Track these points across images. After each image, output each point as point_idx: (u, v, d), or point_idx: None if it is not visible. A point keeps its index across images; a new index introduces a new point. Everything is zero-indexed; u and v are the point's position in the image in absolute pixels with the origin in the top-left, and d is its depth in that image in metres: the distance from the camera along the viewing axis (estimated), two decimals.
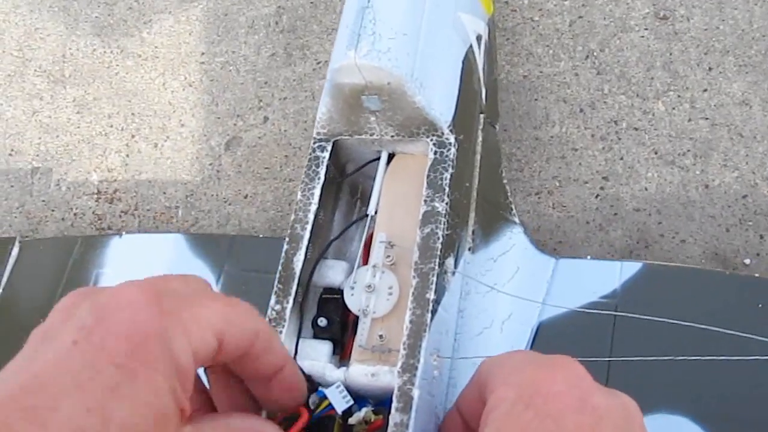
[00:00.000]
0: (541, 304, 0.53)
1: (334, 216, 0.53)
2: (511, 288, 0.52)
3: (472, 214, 0.52)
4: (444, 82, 0.51)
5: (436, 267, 0.43)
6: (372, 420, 0.41)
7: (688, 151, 0.71)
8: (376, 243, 0.47)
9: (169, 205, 0.81)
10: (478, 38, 0.59)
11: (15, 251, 0.70)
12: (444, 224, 0.45)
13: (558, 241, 0.69)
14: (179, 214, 0.81)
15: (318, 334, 0.46)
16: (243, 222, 0.78)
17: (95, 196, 0.84)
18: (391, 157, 0.51)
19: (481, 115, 0.57)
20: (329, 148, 0.49)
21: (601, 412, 0.28)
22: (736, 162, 0.69)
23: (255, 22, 0.89)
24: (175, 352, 0.25)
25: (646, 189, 0.70)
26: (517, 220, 0.56)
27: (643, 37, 0.77)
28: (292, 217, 0.47)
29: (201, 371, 0.33)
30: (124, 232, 0.69)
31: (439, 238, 0.45)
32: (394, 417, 0.39)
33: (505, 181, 0.58)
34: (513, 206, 0.57)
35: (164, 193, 0.82)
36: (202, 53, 0.89)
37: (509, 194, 0.58)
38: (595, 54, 0.77)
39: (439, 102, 0.49)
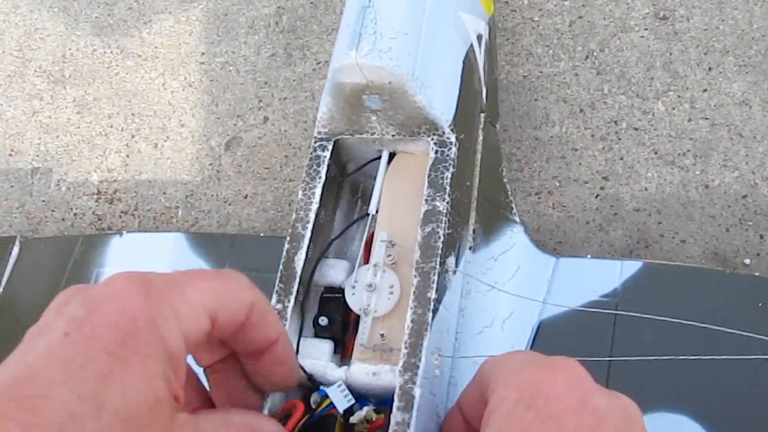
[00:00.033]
0: (541, 303, 0.53)
1: (335, 215, 0.53)
2: (512, 287, 0.52)
3: (473, 213, 0.52)
4: (445, 81, 0.51)
5: (438, 266, 0.44)
6: (373, 419, 0.41)
7: (688, 151, 0.71)
8: (377, 242, 0.47)
9: (169, 205, 0.81)
10: (479, 38, 0.59)
11: (15, 250, 0.70)
12: (445, 223, 0.45)
13: (558, 241, 0.69)
14: (179, 214, 0.81)
15: (319, 333, 0.46)
16: (243, 222, 0.78)
17: (95, 196, 0.84)
18: (391, 156, 0.51)
19: (482, 115, 0.57)
20: (330, 147, 0.50)
21: (601, 413, 0.28)
22: (736, 162, 0.69)
23: (255, 22, 0.89)
24: (166, 339, 0.26)
25: (646, 189, 0.70)
26: (517, 219, 0.56)
27: (643, 37, 0.77)
28: (293, 216, 0.47)
29: (201, 371, 0.33)
30: (124, 232, 0.69)
31: (440, 237, 0.45)
32: (396, 416, 0.39)
33: (505, 180, 0.58)
34: (513, 205, 0.57)
35: (164, 193, 0.82)
36: (202, 53, 0.89)
37: (510, 193, 0.58)
38: (595, 54, 0.77)
39: (440, 101, 0.49)
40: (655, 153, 0.71)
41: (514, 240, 0.55)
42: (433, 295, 0.43)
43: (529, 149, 0.74)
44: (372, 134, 0.50)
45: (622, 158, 0.72)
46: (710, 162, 0.70)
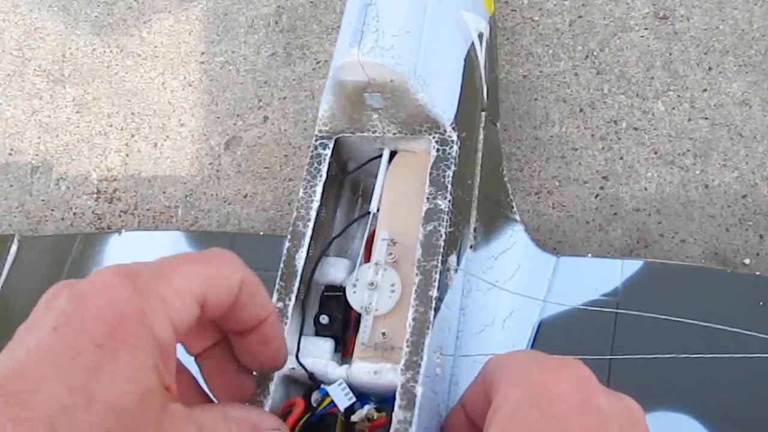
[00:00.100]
0: (542, 302, 0.53)
1: (336, 214, 0.53)
2: (513, 285, 0.52)
3: (474, 212, 0.52)
4: (446, 79, 0.51)
5: (439, 264, 0.43)
6: (374, 417, 0.41)
7: (688, 150, 0.71)
8: (379, 240, 0.47)
9: (168, 204, 0.81)
10: (480, 36, 0.59)
11: (13, 249, 0.70)
12: (447, 222, 0.45)
13: (558, 241, 0.69)
14: (179, 213, 0.81)
15: (320, 331, 0.46)
16: (242, 221, 0.78)
17: (95, 195, 0.83)
18: (392, 154, 0.51)
19: (483, 113, 0.57)
20: (331, 145, 0.49)
21: (606, 413, 0.28)
22: (736, 162, 0.69)
23: (255, 21, 0.89)
24: (154, 329, 0.26)
25: (645, 189, 0.70)
26: (518, 218, 0.56)
27: (642, 36, 0.77)
28: (294, 214, 0.47)
29: (192, 360, 0.33)
30: (123, 230, 0.69)
31: (442, 236, 0.45)
32: (398, 414, 0.39)
33: (506, 179, 0.58)
34: (514, 204, 0.57)
35: (164, 192, 0.82)
36: (202, 53, 0.89)
37: (510, 192, 0.58)
38: (594, 54, 0.77)
39: (442, 99, 0.49)
40: (655, 153, 0.71)
41: (514, 239, 0.55)
42: (435, 293, 0.43)
43: (529, 149, 0.74)
44: (373, 132, 0.50)
45: (621, 158, 0.72)
46: (710, 162, 0.70)
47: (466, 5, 0.57)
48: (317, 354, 0.44)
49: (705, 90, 0.73)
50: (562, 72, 0.77)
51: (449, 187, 0.46)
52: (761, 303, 0.50)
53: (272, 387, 0.41)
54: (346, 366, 0.43)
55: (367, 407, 0.41)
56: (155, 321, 0.26)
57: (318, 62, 0.85)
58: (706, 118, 0.72)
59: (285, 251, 0.45)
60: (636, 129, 0.73)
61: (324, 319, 0.46)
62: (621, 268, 0.54)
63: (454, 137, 0.49)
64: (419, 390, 0.40)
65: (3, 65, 0.94)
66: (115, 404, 0.24)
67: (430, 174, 0.47)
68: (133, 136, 0.86)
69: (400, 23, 0.47)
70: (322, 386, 0.42)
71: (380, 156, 0.51)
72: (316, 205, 0.47)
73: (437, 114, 0.48)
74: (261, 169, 0.80)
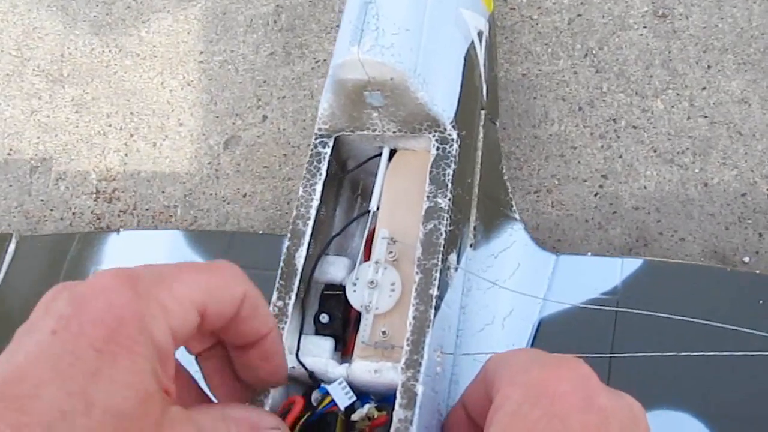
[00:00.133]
0: (542, 301, 0.53)
1: (335, 212, 0.53)
2: (512, 284, 0.52)
3: (474, 211, 0.52)
4: (446, 78, 0.51)
5: (440, 263, 0.43)
6: (375, 416, 0.41)
7: (687, 149, 0.71)
8: (379, 239, 0.47)
9: (167, 204, 0.81)
10: (480, 34, 0.59)
11: (12, 248, 0.70)
12: (447, 220, 0.45)
13: (557, 240, 0.69)
14: (178, 213, 0.80)
15: (320, 330, 0.46)
16: (242, 221, 0.78)
17: (94, 195, 0.83)
18: (392, 153, 0.51)
19: (482, 112, 0.57)
20: (331, 144, 0.49)
21: (607, 412, 0.28)
22: (735, 160, 0.69)
23: (253, 20, 0.89)
24: (153, 334, 0.26)
25: (645, 187, 0.70)
26: (517, 216, 0.56)
27: (641, 35, 0.77)
28: (294, 213, 0.47)
29: (191, 359, 0.33)
30: (122, 229, 0.69)
31: (442, 234, 0.45)
32: (398, 413, 0.39)
33: (505, 177, 0.58)
34: (513, 203, 0.57)
35: (163, 192, 0.82)
36: (201, 52, 0.89)
37: (510, 191, 0.58)
38: (593, 52, 0.77)
39: (442, 98, 0.49)
40: (654, 151, 0.71)
41: (514, 237, 0.55)
42: (435, 292, 0.43)
43: (528, 147, 0.74)
44: (373, 131, 0.50)
45: (621, 156, 0.72)
46: (709, 160, 0.70)
47: (465, 3, 0.57)
48: (317, 353, 0.44)
49: (704, 88, 0.73)
50: (561, 70, 0.77)
51: (449, 185, 0.46)
52: (761, 301, 0.50)
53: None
54: (347, 365, 0.43)
55: (367, 406, 0.41)
56: (154, 326, 0.26)
57: (317, 61, 0.85)
58: (705, 117, 0.72)
59: (285, 250, 0.45)
60: (635, 127, 0.73)
61: (324, 318, 0.46)
62: (621, 267, 0.54)
63: (454, 136, 0.48)
64: (420, 389, 0.40)
65: (2, 65, 0.94)
66: (114, 409, 0.24)
67: (430, 172, 0.47)
68: (132, 135, 0.86)
69: (400, 21, 0.47)
70: (323, 385, 0.42)
71: (380, 154, 0.51)
72: (315, 203, 0.47)
73: (437, 112, 0.48)
74: (260, 168, 0.80)
